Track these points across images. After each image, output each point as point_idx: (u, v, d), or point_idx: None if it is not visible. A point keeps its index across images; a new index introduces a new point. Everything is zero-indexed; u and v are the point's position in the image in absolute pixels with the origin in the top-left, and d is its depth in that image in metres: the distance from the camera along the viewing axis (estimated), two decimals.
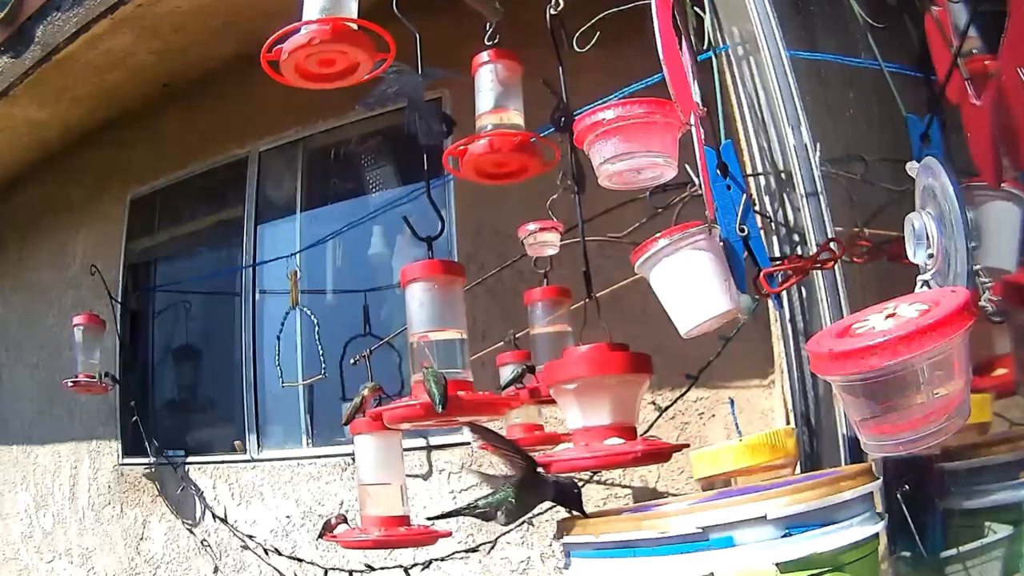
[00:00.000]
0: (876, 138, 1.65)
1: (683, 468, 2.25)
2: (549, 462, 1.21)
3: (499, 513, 1.15)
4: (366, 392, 1.69)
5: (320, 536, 1.75)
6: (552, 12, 1.41)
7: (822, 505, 0.95)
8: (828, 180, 1.51)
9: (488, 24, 1.45)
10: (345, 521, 1.74)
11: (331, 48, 1.19)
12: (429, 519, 1.29)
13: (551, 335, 1.68)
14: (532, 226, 1.77)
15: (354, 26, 1.19)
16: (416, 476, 2.70)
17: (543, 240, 1.77)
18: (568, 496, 1.16)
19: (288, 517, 3.04)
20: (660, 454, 1.21)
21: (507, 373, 1.74)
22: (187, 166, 3.71)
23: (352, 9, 1.21)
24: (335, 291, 3.42)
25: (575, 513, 1.15)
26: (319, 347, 2.96)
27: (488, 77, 1.42)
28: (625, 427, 1.19)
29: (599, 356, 1.20)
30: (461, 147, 1.40)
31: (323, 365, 2.92)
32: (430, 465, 2.71)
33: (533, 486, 1.15)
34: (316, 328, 3.01)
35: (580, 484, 1.17)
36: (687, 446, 1.31)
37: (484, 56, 1.42)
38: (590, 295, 1.37)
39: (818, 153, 1.51)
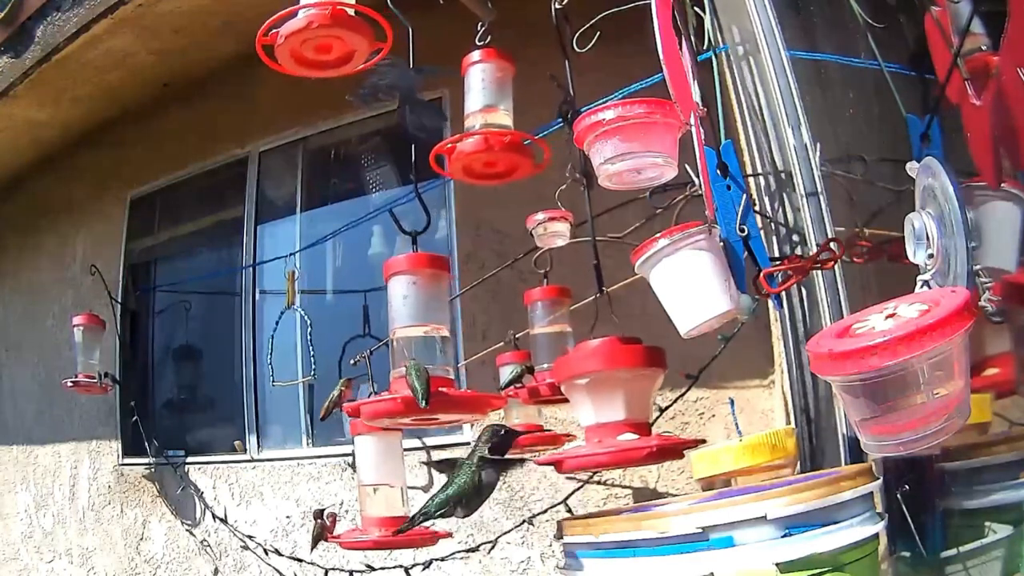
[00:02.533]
0: (876, 138, 1.65)
1: (683, 468, 2.25)
2: (560, 460, 1.21)
3: (457, 508, 1.15)
4: (342, 387, 1.69)
5: (312, 549, 1.75)
6: (557, 5, 1.41)
7: (822, 505, 0.95)
8: (828, 180, 1.51)
9: (480, 23, 1.45)
10: (321, 516, 1.73)
11: (328, 34, 1.18)
12: (397, 532, 1.28)
13: (551, 335, 1.68)
14: (541, 215, 1.74)
15: (352, 12, 1.19)
16: (415, 477, 2.70)
17: (553, 230, 1.74)
18: (503, 446, 1.15)
19: (288, 517, 3.04)
20: (674, 450, 1.19)
21: (507, 373, 1.74)
22: (187, 166, 3.71)
23: None
24: (335, 291, 3.42)
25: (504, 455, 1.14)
26: (311, 348, 2.96)
27: (478, 76, 1.42)
28: (639, 423, 1.18)
29: (612, 350, 1.18)
30: (449, 145, 1.40)
31: (313, 367, 2.92)
32: (429, 467, 2.71)
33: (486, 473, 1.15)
34: (309, 329, 3.01)
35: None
36: (703, 441, 1.29)
37: (475, 56, 1.42)
38: (601, 290, 1.36)
39: (818, 153, 1.51)
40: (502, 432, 1.18)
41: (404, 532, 1.24)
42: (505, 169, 1.44)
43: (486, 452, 1.17)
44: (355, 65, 1.26)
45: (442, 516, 1.17)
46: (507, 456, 1.18)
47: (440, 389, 1.17)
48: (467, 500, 1.15)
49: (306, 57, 1.23)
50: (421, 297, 1.22)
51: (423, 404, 1.11)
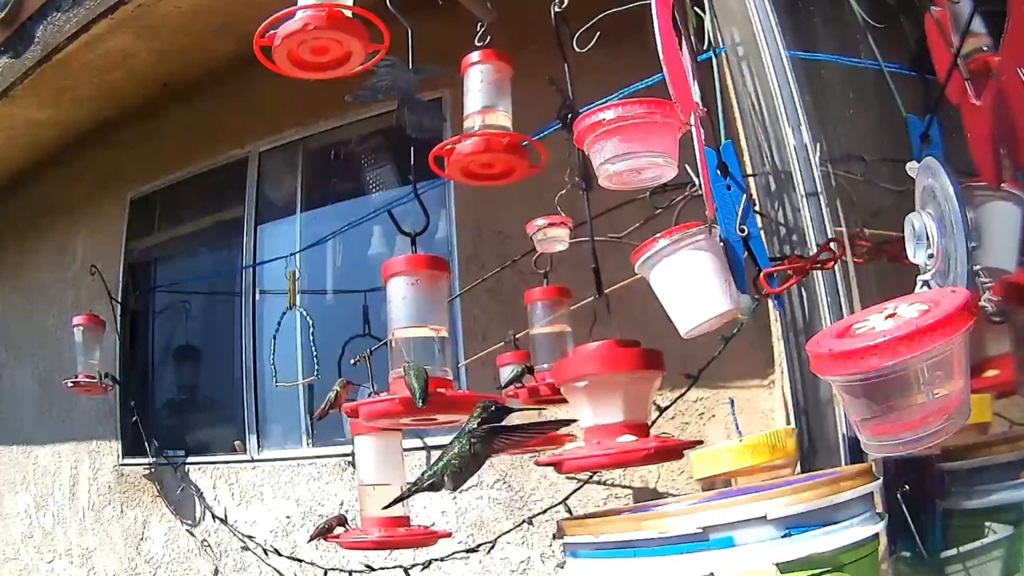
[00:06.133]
0: (876, 138, 1.65)
1: (683, 468, 2.25)
2: (560, 461, 1.21)
3: (445, 478, 1.14)
4: (339, 388, 1.70)
5: (311, 540, 1.75)
6: (556, 8, 1.41)
7: (822, 505, 0.95)
8: (828, 180, 1.51)
9: (480, 24, 1.45)
10: (342, 523, 1.73)
11: (325, 35, 1.19)
12: (384, 507, 1.28)
13: (551, 335, 1.69)
14: (541, 221, 1.75)
15: (348, 14, 1.19)
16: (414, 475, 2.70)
17: (552, 236, 1.76)
18: (494, 421, 1.13)
19: (288, 517, 3.04)
20: (672, 451, 1.20)
21: (507, 373, 1.74)
22: (187, 166, 3.71)
23: None
24: (335, 291, 3.42)
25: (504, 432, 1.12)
26: (313, 348, 2.96)
27: (477, 77, 1.42)
28: (637, 424, 1.19)
29: (609, 353, 1.19)
30: (448, 147, 1.40)
31: (316, 367, 2.92)
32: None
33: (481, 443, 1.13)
34: (312, 329, 3.01)
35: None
36: (700, 443, 1.30)
37: (474, 56, 1.43)
38: (600, 291, 1.37)
39: (818, 153, 1.51)
40: (492, 408, 1.15)
41: (390, 506, 1.26)
42: (502, 170, 1.44)
43: (475, 426, 1.14)
44: (352, 67, 1.27)
45: (431, 488, 1.15)
46: (498, 425, 1.14)
47: (438, 389, 1.18)
48: (455, 472, 1.13)
49: (303, 59, 1.24)
50: (420, 298, 1.23)
51: (420, 404, 1.12)
